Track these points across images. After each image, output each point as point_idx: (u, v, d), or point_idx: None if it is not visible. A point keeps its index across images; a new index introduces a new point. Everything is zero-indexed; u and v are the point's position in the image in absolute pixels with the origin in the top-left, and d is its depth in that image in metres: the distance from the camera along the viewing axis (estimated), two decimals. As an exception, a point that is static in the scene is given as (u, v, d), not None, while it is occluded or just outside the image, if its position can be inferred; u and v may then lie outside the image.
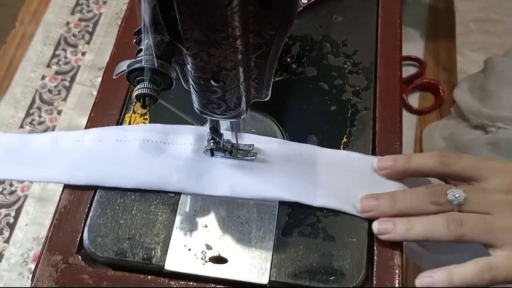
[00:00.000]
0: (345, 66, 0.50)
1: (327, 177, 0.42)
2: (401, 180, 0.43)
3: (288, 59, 0.51)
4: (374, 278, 0.39)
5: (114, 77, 0.32)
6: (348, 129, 0.46)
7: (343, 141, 0.45)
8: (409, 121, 0.87)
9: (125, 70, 0.31)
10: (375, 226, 0.40)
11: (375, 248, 0.40)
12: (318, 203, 0.41)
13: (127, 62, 0.31)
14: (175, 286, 0.39)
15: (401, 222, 0.39)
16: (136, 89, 0.31)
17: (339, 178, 0.42)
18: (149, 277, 0.39)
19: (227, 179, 0.42)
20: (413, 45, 0.94)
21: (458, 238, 0.37)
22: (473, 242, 0.38)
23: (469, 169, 0.40)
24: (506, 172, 0.39)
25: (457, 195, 0.38)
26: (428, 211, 0.39)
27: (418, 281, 0.38)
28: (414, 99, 0.91)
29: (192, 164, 0.43)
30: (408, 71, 0.93)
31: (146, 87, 0.30)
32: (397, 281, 0.39)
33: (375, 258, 0.40)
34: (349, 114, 0.47)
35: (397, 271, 0.39)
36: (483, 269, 0.37)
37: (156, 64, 0.29)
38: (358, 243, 0.40)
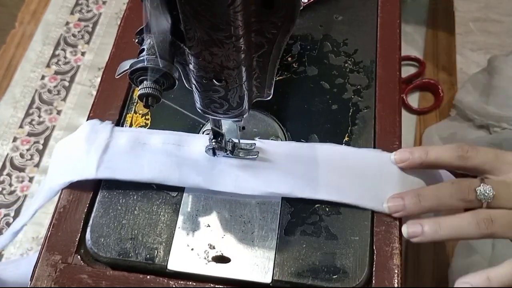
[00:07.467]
0: (346, 65, 0.50)
1: (329, 173, 0.42)
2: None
3: (289, 59, 0.51)
4: (374, 278, 0.39)
5: (117, 77, 0.32)
6: (349, 128, 0.46)
7: (344, 140, 0.45)
8: (408, 121, 0.87)
9: (127, 69, 0.31)
10: (405, 229, 0.39)
11: (374, 248, 0.40)
12: (319, 196, 0.41)
13: (130, 61, 0.31)
14: (174, 286, 0.39)
15: (429, 223, 0.38)
16: (139, 89, 0.31)
17: (343, 173, 0.42)
18: (148, 276, 0.39)
19: (230, 177, 0.42)
20: (413, 45, 0.93)
21: (489, 236, 0.37)
22: (505, 238, 0.37)
23: (487, 163, 0.39)
24: None
25: (486, 193, 0.37)
26: (456, 207, 0.38)
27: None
28: (413, 99, 0.91)
29: (194, 162, 0.43)
30: (408, 71, 0.93)
31: (149, 87, 0.30)
32: (396, 281, 0.38)
33: (375, 258, 0.40)
34: (350, 113, 0.47)
35: (396, 271, 0.39)
36: None
37: (160, 64, 0.29)
38: (361, 242, 0.40)
